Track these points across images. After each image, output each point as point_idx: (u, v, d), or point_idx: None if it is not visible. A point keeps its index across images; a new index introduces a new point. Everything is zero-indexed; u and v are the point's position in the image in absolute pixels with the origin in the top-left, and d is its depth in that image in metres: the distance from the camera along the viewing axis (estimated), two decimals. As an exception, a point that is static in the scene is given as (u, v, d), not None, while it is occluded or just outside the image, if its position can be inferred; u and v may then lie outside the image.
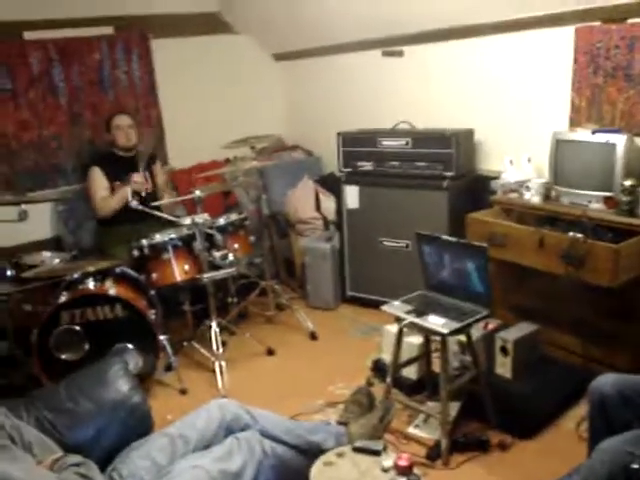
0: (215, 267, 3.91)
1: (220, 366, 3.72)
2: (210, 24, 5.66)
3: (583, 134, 3.42)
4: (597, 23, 3.54)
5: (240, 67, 5.91)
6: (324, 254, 4.76)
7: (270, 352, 4.14)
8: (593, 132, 3.38)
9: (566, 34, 3.69)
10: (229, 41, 5.84)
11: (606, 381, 2.34)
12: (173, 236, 3.93)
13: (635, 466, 1.11)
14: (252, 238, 4.33)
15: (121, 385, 2.47)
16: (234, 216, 4.24)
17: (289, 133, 6.18)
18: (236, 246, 4.11)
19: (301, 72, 6.03)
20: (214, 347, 3.79)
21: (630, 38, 3.38)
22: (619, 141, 3.18)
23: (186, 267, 3.91)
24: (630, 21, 3.39)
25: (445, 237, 3.08)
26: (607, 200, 3.25)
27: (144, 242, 3.89)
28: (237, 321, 4.52)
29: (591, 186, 3.33)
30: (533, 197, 3.58)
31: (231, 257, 3.89)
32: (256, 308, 4.76)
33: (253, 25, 5.81)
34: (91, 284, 3.64)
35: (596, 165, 3.30)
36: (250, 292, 4.66)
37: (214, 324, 3.87)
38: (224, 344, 3.99)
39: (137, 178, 4.24)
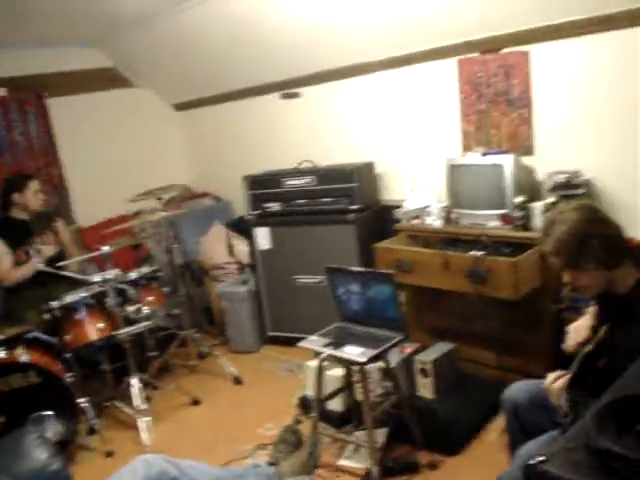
0: (131, 322, 3.85)
1: (144, 422, 3.64)
2: (107, 79, 5.67)
3: (473, 157, 3.61)
4: (476, 54, 3.77)
5: (141, 119, 5.92)
6: (241, 298, 4.77)
7: (195, 402, 4.09)
8: (483, 155, 3.57)
9: (450, 66, 3.92)
10: (128, 95, 5.85)
11: (516, 390, 2.45)
12: (84, 295, 3.84)
13: (532, 462, 1.17)
14: (166, 289, 4.30)
15: (38, 454, 2.40)
16: (145, 269, 4.20)
17: (197, 181, 6.20)
18: (150, 299, 4.06)
19: (203, 120, 6.09)
20: (136, 404, 3.71)
21: (506, 66, 3.62)
22: (506, 161, 3.38)
23: (100, 325, 3.82)
24: (504, 51, 3.64)
25: (353, 268, 3.16)
26: (502, 217, 3.43)
27: (55, 304, 3.78)
28: (159, 375, 4.44)
29: (486, 205, 3.51)
30: (435, 221, 3.73)
31: (146, 310, 3.85)
32: (178, 359, 4.69)
33: (150, 78, 5.85)
34: (1, 353, 3.50)
35: (488, 186, 3.49)
36: (170, 344, 4.59)
37: (135, 380, 3.79)
38: (148, 399, 3.92)
39: (41, 247, 4.15)
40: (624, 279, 2.03)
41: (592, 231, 1.98)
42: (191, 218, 5.49)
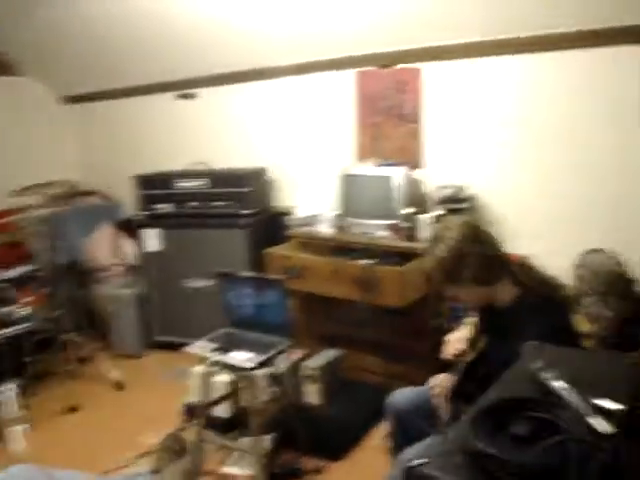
0: (7, 324, 3.65)
1: (17, 431, 3.45)
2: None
3: (365, 168, 3.69)
4: (373, 68, 3.86)
5: (26, 111, 5.61)
6: (126, 300, 4.63)
7: (73, 409, 3.91)
8: (377, 166, 3.66)
9: (348, 77, 3.99)
10: (11, 83, 5.53)
11: (399, 396, 2.52)
12: (-46, 294, 3.62)
13: (411, 464, 1.21)
14: (47, 290, 4.10)
15: None
16: (25, 268, 3.99)
17: (86, 178, 5.94)
18: (28, 299, 3.87)
19: (95, 115, 5.85)
20: (10, 411, 3.51)
21: (400, 81, 3.73)
22: (395, 174, 3.47)
23: (-28, 327, 3.61)
24: (400, 66, 3.75)
25: (244, 273, 3.15)
26: (391, 227, 3.52)
27: None
28: (37, 380, 4.22)
29: (376, 216, 3.60)
30: (326, 229, 3.78)
31: (23, 311, 3.66)
32: (57, 364, 4.47)
33: (39, 67, 5.56)
34: None
35: (378, 196, 3.58)
36: (48, 347, 4.38)
37: (10, 386, 3.59)
38: (27, 406, 3.72)
39: None
40: (503, 294, 2.13)
41: (469, 249, 2.06)
42: (77, 216, 5.26)
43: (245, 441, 3.19)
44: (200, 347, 3.03)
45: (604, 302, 2.90)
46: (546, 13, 3.08)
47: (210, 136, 4.86)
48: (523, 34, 3.24)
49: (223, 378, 3.35)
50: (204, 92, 4.86)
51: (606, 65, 3.10)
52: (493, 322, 2.19)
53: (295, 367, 3.45)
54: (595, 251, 3.01)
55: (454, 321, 3.14)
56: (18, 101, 5.55)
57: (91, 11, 4.41)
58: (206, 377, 3.05)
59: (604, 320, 2.90)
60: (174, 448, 2.94)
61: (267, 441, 3.15)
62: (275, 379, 3.16)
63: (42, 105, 5.78)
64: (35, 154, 5.55)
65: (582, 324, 2.89)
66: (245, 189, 4.25)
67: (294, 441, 3.17)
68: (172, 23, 4.25)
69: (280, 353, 2.99)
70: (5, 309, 3.65)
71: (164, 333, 4.70)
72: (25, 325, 3.68)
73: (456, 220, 2.24)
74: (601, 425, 1.21)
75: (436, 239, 2.13)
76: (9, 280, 3.83)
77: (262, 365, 2.90)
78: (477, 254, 2.06)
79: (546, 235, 3.34)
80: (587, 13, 3.00)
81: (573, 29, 3.09)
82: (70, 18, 4.57)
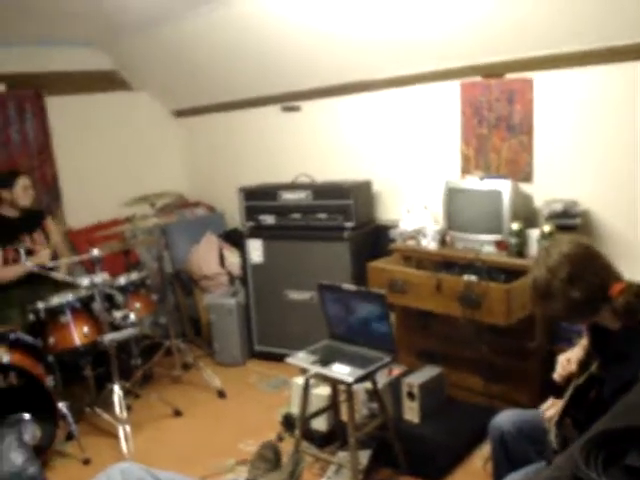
0: (117, 328, 3.79)
1: (124, 431, 3.58)
2: (107, 81, 5.64)
3: (472, 182, 3.60)
4: (479, 78, 3.77)
5: (138, 124, 5.89)
6: (230, 310, 4.72)
7: (177, 413, 4.02)
8: (481, 179, 3.56)
9: (452, 88, 3.92)
10: (127, 98, 5.82)
11: (504, 418, 2.41)
12: (71, 298, 3.79)
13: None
14: (155, 297, 4.26)
15: (15, 457, 2.36)
16: (135, 275, 4.16)
17: (191, 189, 6.17)
18: (138, 305, 4.02)
19: (201, 128, 6.07)
20: (117, 411, 3.64)
21: (509, 92, 3.62)
22: (504, 187, 3.36)
23: (85, 330, 3.77)
24: (508, 76, 3.64)
25: (346, 286, 3.13)
26: (498, 243, 3.41)
27: (40, 305, 3.72)
28: (142, 383, 4.38)
29: (482, 230, 3.49)
30: (430, 243, 3.71)
31: (132, 317, 3.78)
32: (162, 369, 4.62)
33: (150, 82, 5.84)
34: (-18, 352, 3.44)
35: (485, 210, 3.47)
36: (155, 352, 4.53)
37: (117, 388, 3.72)
38: (129, 408, 3.86)
39: (38, 260, 4.08)
40: (610, 320, 1.99)
41: (580, 274, 1.93)
42: (183, 226, 5.46)
43: (342, 455, 3.17)
44: (301, 359, 3.03)
45: None
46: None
47: (314, 148, 4.90)
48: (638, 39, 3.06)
49: (323, 391, 3.35)
50: (308, 105, 4.91)
51: None
52: (605, 344, 2.06)
53: (395, 383, 3.40)
54: None
55: (566, 341, 3.01)
56: (131, 115, 5.84)
57: (198, 29, 4.58)
58: (306, 389, 3.05)
59: None
60: (270, 457, 2.95)
61: (365, 457, 3.11)
62: (375, 394, 3.12)
63: (153, 119, 6.05)
64: (146, 166, 5.81)
65: None
66: (348, 201, 4.24)
67: (392, 458, 3.11)
68: (275, 38, 4.34)
69: (381, 368, 2.95)
70: (116, 314, 3.78)
71: (265, 343, 4.76)
72: (134, 330, 3.80)
73: (566, 239, 2.11)
74: None
75: (542, 258, 2.02)
76: (120, 287, 3.97)
77: (362, 379, 2.87)
78: (589, 279, 1.93)
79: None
80: None
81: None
82: (178, 36, 4.76)
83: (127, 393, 3.94)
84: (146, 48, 5.20)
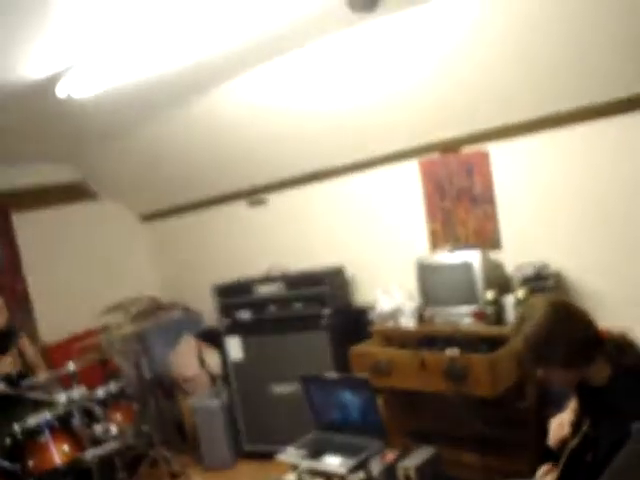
0: (98, 443, 3.66)
1: None
2: (74, 193, 5.69)
3: (442, 256, 3.64)
4: (436, 155, 3.88)
5: (107, 232, 5.91)
6: (214, 411, 4.60)
7: (169, 527, 3.85)
8: (451, 252, 3.60)
9: (412, 167, 4.03)
10: (94, 208, 5.87)
11: (505, 492, 2.35)
12: (48, 416, 3.66)
13: None
14: (135, 405, 4.14)
15: None
16: (113, 386, 4.05)
17: (165, 292, 6.12)
18: (118, 417, 3.89)
19: (169, 230, 6.09)
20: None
21: (467, 165, 3.73)
22: (474, 258, 3.41)
23: (66, 448, 3.62)
24: (464, 150, 3.75)
25: (328, 375, 3.09)
26: (475, 313, 3.42)
27: (16, 427, 3.58)
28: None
29: (458, 302, 3.50)
30: (408, 322, 3.70)
31: (114, 430, 3.67)
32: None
33: (117, 190, 5.90)
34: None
35: (459, 282, 3.50)
36: (140, 464, 4.36)
37: (103, 507, 3.57)
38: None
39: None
40: (599, 373, 1.98)
41: (560, 332, 1.93)
42: (160, 330, 5.38)
43: None
44: (290, 454, 2.95)
45: None
46: (615, 80, 3.05)
47: (284, 239, 4.94)
48: (594, 101, 3.20)
49: (318, 485, 3.24)
50: (274, 197, 4.99)
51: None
52: (593, 402, 2.04)
53: (390, 469, 3.29)
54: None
55: (557, 405, 2.97)
56: (99, 224, 5.87)
57: (158, 134, 4.69)
58: (298, 485, 2.95)
59: None
60: None
61: None
62: (370, 483, 3.02)
63: (121, 226, 6.09)
64: (117, 273, 5.78)
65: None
66: (323, 288, 4.25)
67: None
68: (236, 135, 4.46)
69: (373, 455, 2.88)
70: (97, 428, 3.66)
71: (253, 442, 4.62)
72: (116, 442, 3.67)
73: (543, 299, 2.13)
74: None
75: (523, 320, 2.03)
76: (99, 399, 3.86)
77: (355, 469, 2.79)
78: (568, 336, 1.92)
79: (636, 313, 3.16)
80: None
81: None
82: (140, 142, 4.87)
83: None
84: (110, 158, 5.29)
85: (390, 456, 3.39)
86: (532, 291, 3.23)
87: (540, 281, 3.30)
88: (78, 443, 3.65)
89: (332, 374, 3.15)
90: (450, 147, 3.81)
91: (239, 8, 2.81)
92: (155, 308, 5.77)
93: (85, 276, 5.60)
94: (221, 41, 3.21)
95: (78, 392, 3.64)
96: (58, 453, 3.62)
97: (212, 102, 4.21)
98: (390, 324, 3.84)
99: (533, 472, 2.24)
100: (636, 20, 2.77)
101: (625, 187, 3.23)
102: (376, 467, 3.20)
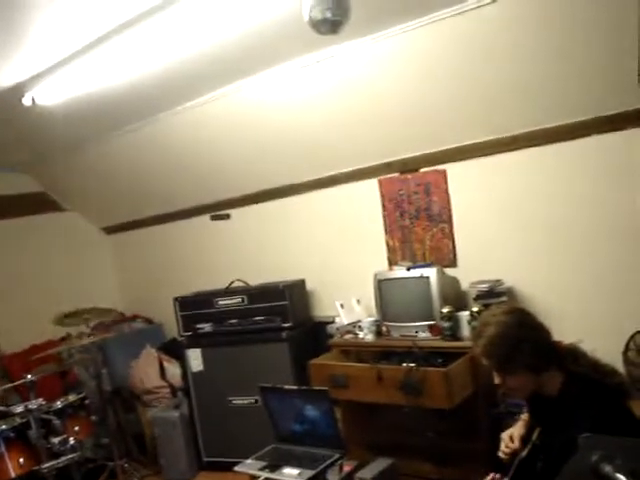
0: (56, 455, 3.64)
1: None
2: (37, 203, 5.65)
3: (400, 272, 3.73)
4: (396, 174, 3.99)
5: (70, 243, 5.88)
6: (174, 423, 4.60)
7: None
8: (408, 269, 3.69)
9: (371, 185, 4.12)
10: (57, 218, 5.84)
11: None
12: (4, 427, 3.64)
13: None
14: (94, 417, 4.12)
15: None
16: (72, 397, 4.03)
17: (127, 303, 6.10)
18: (77, 428, 3.86)
19: (132, 242, 6.08)
20: None
21: (425, 184, 3.84)
22: (431, 274, 3.50)
23: (21, 460, 3.59)
24: (422, 170, 3.86)
25: (287, 387, 3.14)
26: (431, 328, 3.51)
27: (-28, 439, 3.56)
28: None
29: (415, 317, 3.59)
30: (366, 335, 3.78)
31: (72, 441, 3.65)
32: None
33: (80, 202, 5.88)
34: None
35: (416, 298, 3.59)
36: (99, 477, 4.33)
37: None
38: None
39: None
40: (552, 382, 2.07)
41: (522, 335, 2.01)
42: (121, 342, 5.36)
43: None
44: (249, 466, 2.99)
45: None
46: (569, 103, 3.19)
47: (246, 253, 4.99)
48: (543, 125, 3.34)
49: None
50: (237, 212, 5.04)
51: (621, 149, 3.16)
52: (543, 413, 2.13)
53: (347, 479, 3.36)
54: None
55: (511, 415, 3.07)
56: (62, 235, 5.84)
57: (122, 147, 4.72)
58: (256, 497, 2.98)
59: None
60: None
61: None
62: (326, 493, 3.07)
63: (85, 237, 6.06)
64: (79, 284, 5.74)
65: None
66: (284, 302, 4.30)
67: None
68: (200, 150, 4.51)
69: (330, 466, 2.93)
70: (54, 440, 3.64)
71: (213, 454, 4.63)
72: (74, 455, 3.66)
73: (504, 307, 2.23)
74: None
75: (485, 325, 2.09)
76: (57, 410, 3.84)
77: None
78: (530, 340, 2.01)
79: (587, 319, 3.30)
80: (602, 99, 3.10)
81: (589, 117, 3.19)
82: (103, 156, 4.89)
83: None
84: (72, 169, 5.28)
85: (348, 467, 3.44)
86: (486, 306, 3.32)
87: (494, 297, 3.42)
88: (35, 455, 3.63)
89: (291, 386, 3.20)
90: (409, 167, 3.92)
91: (202, 26, 2.88)
92: (117, 319, 5.75)
93: (46, 287, 5.55)
94: (186, 59, 3.27)
95: (36, 403, 3.61)
96: (13, 465, 3.59)
97: (176, 119, 4.26)
98: (349, 337, 3.91)
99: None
100: (589, 50, 2.92)
101: (574, 208, 3.38)
102: (334, 478, 3.26)
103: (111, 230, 6.16)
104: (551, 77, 3.10)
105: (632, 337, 2.95)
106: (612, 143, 3.20)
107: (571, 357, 2.10)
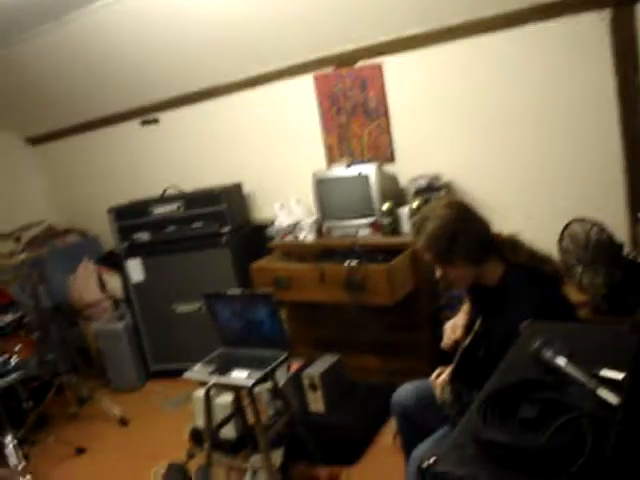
0: (-1, 375, 3.58)
1: (24, 482, 3.39)
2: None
3: (338, 170, 3.68)
4: (331, 69, 3.85)
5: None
6: (118, 334, 4.58)
7: (80, 451, 3.86)
8: (348, 165, 3.64)
9: (307, 82, 3.98)
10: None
11: (403, 393, 2.50)
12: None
13: (425, 465, 1.19)
14: (36, 335, 4.04)
15: None
16: (9, 317, 3.93)
17: (60, 217, 5.89)
18: (18, 348, 3.79)
19: (61, 153, 5.79)
20: (14, 463, 3.44)
21: (361, 79, 3.73)
22: (370, 171, 3.47)
23: (-37, 382, 3.54)
24: (359, 64, 3.74)
25: (231, 292, 3.11)
26: (372, 225, 3.51)
27: None
28: (37, 428, 4.15)
29: (356, 215, 3.59)
30: (307, 236, 3.77)
31: (14, 361, 3.59)
32: (57, 408, 4.40)
33: (-1, 112, 5.53)
34: None
35: (355, 196, 3.57)
36: (47, 393, 4.30)
37: (9, 438, 3.52)
38: (27, 457, 3.65)
39: None
40: (492, 272, 2.12)
41: (462, 227, 2.05)
42: (57, 257, 5.21)
43: (256, 459, 3.15)
44: (197, 371, 2.98)
45: (593, 271, 2.91)
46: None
47: (179, 159, 4.83)
48: (480, 15, 3.25)
49: (225, 399, 3.33)
50: (166, 116, 4.84)
51: (566, 37, 3.12)
52: (484, 302, 2.18)
53: (295, 378, 3.43)
54: (578, 221, 3.01)
55: (451, 308, 3.15)
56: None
57: (40, 49, 4.39)
58: (207, 401, 3.01)
59: (595, 288, 2.91)
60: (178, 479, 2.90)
61: (278, 456, 3.12)
62: (277, 393, 3.13)
63: (8, 150, 5.72)
64: (7, 201, 5.49)
65: (574, 295, 2.90)
66: (221, 207, 4.22)
67: (305, 452, 3.14)
68: (124, 51, 4.25)
69: (278, 366, 2.96)
70: (-5, 361, 3.58)
71: (160, 362, 4.66)
72: (17, 374, 3.60)
73: (444, 201, 2.23)
74: (610, 396, 1.20)
75: (425, 219, 2.11)
76: (-5, 331, 3.76)
77: (262, 381, 2.86)
78: (469, 232, 2.05)
79: (526, 210, 3.36)
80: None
81: (525, 6, 3.11)
82: (21, 58, 4.54)
83: (22, 442, 3.72)
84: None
85: (295, 366, 3.52)
86: (426, 202, 3.34)
87: (433, 192, 3.42)
88: (-23, 377, 3.57)
89: (235, 290, 3.17)
90: (345, 61, 3.79)
91: None
92: (50, 234, 5.57)
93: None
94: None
95: (-29, 326, 3.52)
96: (-44, 389, 3.53)
97: (95, 16, 3.96)
98: (289, 239, 3.89)
99: (430, 372, 2.39)
100: None
101: (511, 99, 3.36)
102: (282, 377, 3.33)
103: (37, 141, 5.83)
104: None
105: (567, 226, 3.01)
106: (547, 30, 3.14)
107: (510, 247, 2.15)
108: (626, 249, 3.01)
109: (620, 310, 2.82)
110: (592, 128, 3.17)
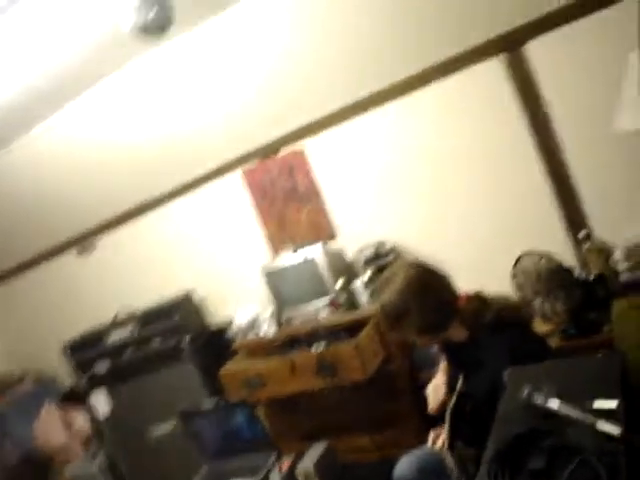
0: None
1: None
2: None
3: (285, 259, 3.70)
4: (255, 162, 3.92)
5: None
6: (94, 476, 4.37)
7: None
8: (294, 252, 3.66)
9: (236, 178, 4.03)
10: None
11: (403, 466, 2.45)
12: None
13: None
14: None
15: None
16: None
17: (11, 364, 5.65)
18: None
19: (2, 297, 5.61)
20: None
21: (287, 166, 3.80)
22: (316, 253, 3.50)
23: None
24: (281, 152, 3.81)
25: (204, 406, 3.04)
26: (330, 304, 3.51)
27: None
28: None
29: (312, 298, 3.58)
30: (268, 330, 3.72)
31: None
32: None
33: None
34: None
35: (307, 280, 3.57)
36: None
37: None
38: None
39: None
40: (457, 334, 2.11)
41: (414, 302, 2.02)
42: (16, 408, 4.98)
43: None
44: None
45: (553, 298, 2.96)
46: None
47: (125, 279, 4.73)
48: (383, 84, 3.38)
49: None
50: (104, 240, 4.77)
51: (466, 88, 3.25)
52: (460, 357, 2.18)
53: (290, 476, 3.31)
54: (526, 255, 3.08)
55: (428, 369, 3.13)
56: None
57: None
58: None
59: (558, 315, 2.96)
60: None
61: None
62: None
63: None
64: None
65: (540, 327, 2.94)
66: (175, 320, 4.16)
67: None
68: (51, 180, 4.23)
69: (270, 470, 2.88)
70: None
71: (146, 493, 4.45)
72: None
73: (405, 264, 2.19)
74: (610, 428, 1.20)
75: (386, 282, 2.10)
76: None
77: (257, 489, 2.77)
78: (421, 307, 2.02)
79: (472, 257, 3.39)
80: (434, 47, 3.18)
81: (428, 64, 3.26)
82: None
83: None
84: None
85: (286, 464, 3.41)
86: (379, 270, 3.35)
87: (381, 259, 3.45)
88: None
89: (208, 403, 3.10)
90: (268, 151, 3.86)
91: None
92: (4, 386, 5.34)
93: None
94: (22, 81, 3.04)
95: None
96: None
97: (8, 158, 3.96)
98: (251, 337, 3.83)
99: (421, 438, 2.35)
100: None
101: (434, 156, 3.45)
102: (277, 478, 3.21)
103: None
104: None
105: (516, 262, 3.08)
106: (455, 83, 3.27)
107: (474, 313, 2.10)
108: (577, 271, 3.09)
109: (587, 330, 2.87)
110: (516, 166, 3.26)
